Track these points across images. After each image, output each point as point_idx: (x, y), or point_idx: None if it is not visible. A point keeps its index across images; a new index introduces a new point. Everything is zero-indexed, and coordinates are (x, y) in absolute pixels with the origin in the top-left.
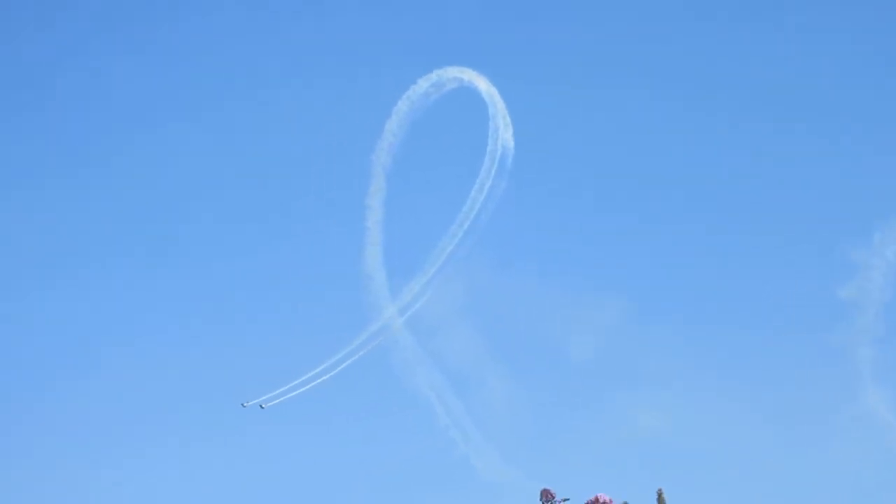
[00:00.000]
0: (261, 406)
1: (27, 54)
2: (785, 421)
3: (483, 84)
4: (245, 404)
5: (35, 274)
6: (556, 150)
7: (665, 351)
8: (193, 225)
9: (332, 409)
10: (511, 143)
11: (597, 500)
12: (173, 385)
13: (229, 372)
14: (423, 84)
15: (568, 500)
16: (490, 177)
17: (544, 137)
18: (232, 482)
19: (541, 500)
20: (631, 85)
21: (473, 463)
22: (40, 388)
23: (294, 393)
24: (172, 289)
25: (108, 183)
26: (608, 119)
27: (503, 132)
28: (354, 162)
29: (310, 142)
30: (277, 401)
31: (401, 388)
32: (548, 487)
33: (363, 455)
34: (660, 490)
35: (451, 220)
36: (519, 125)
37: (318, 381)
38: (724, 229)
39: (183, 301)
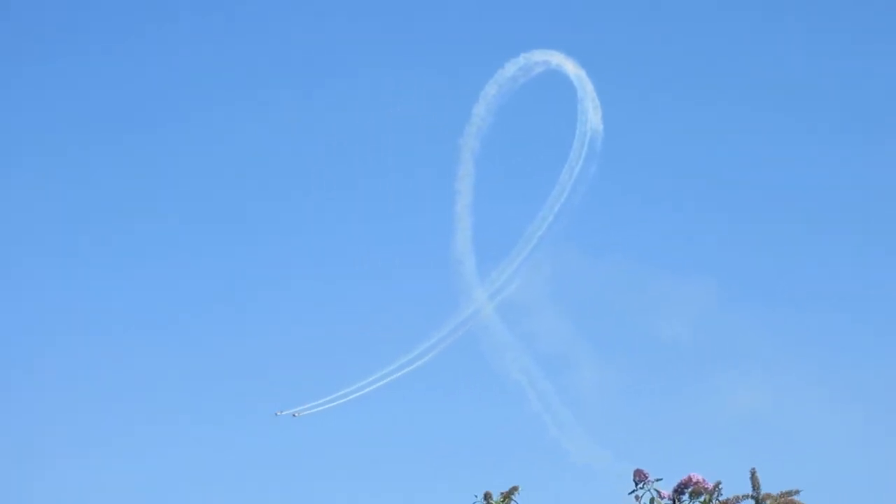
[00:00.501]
0: (293, 415)
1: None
2: (882, 402)
3: (571, 67)
4: (279, 413)
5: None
6: (646, 134)
7: (756, 332)
8: (283, 203)
9: (423, 395)
10: (600, 127)
11: (690, 479)
12: (272, 366)
13: (320, 358)
14: (510, 68)
15: (661, 479)
16: (579, 161)
17: (634, 121)
18: (319, 464)
19: (634, 480)
20: (722, 75)
21: (565, 446)
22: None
23: (378, 384)
24: (253, 270)
25: (175, 149)
26: (698, 104)
27: (592, 115)
28: (443, 147)
29: (398, 126)
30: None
31: (491, 373)
32: (641, 468)
33: (454, 440)
34: (753, 470)
35: (540, 204)
36: (608, 109)
37: (390, 377)
38: (816, 211)
39: (270, 284)
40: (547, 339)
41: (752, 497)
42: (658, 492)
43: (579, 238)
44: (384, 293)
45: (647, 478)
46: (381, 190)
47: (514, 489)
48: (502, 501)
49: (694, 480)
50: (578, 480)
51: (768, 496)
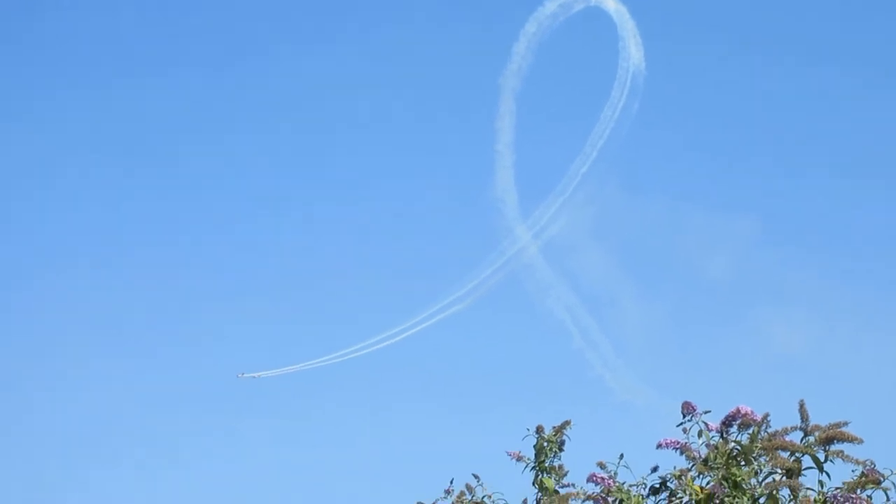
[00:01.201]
0: (254, 377)
1: None
2: None
3: (611, 3)
4: (240, 375)
5: None
6: (689, 72)
7: (799, 271)
8: (325, 144)
9: (466, 335)
10: (642, 65)
11: (738, 411)
12: (319, 313)
13: (366, 299)
14: (550, 5)
15: (709, 412)
16: (621, 99)
17: (676, 59)
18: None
19: (682, 412)
20: (767, 19)
21: (609, 383)
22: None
23: (420, 327)
24: (295, 211)
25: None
26: (740, 41)
27: (634, 53)
28: (482, 85)
29: (436, 66)
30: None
31: (534, 311)
32: (689, 400)
33: (498, 378)
34: (801, 401)
35: (582, 142)
36: (650, 46)
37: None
38: (862, 155)
39: (314, 231)
40: (590, 277)
41: (801, 429)
42: (706, 424)
43: (621, 176)
44: (426, 234)
45: (695, 410)
46: (421, 130)
47: (566, 423)
48: (554, 435)
49: (742, 412)
50: (623, 417)
51: (817, 427)
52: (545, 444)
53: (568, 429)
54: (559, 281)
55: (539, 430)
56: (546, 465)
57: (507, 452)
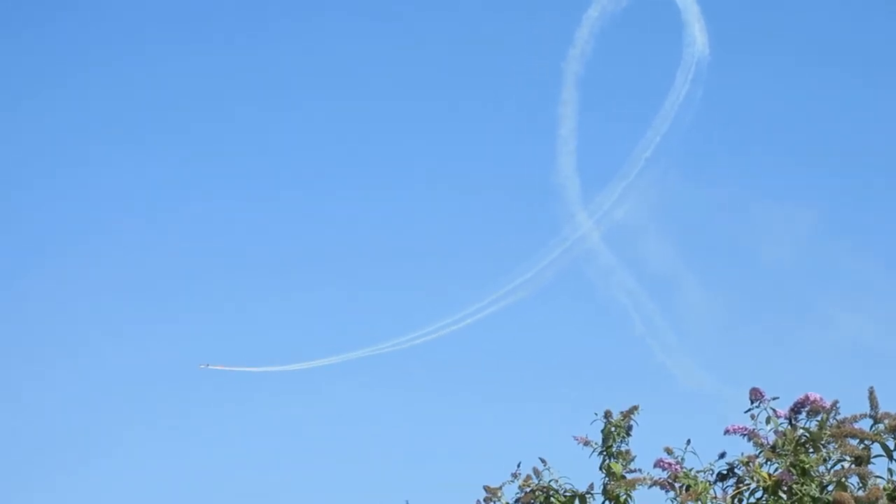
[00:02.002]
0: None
1: None
2: None
3: None
4: (202, 366)
5: None
6: (753, 58)
7: (863, 261)
8: (389, 129)
9: (528, 321)
10: (707, 51)
11: (807, 398)
12: (382, 299)
13: (427, 286)
14: None
15: (777, 398)
16: (685, 85)
17: (741, 44)
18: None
19: (750, 398)
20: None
21: (671, 371)
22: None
23: (482, 314)
24: (354, 192)
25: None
26: (808, 28)
27: (699, 38)
28: (545, 71)
29: (498, 52)
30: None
31: (596, 298)
32: (757, 387)
33: (559, 366)
34: (871, 388)
35: (644, 128)
36: (715, 32)
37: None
38: None
39: (370, 210)
40: (652, 263)
41: (870, 416)
42: (774, 410)
43: (684, 162)
44: (487, 220)
45: (763, 396)
46: (483, 117)
47: (633, 408)
48: (622, 420)
49: (811, 399)
50: (686, 404)
51: (886, 415)
52: (613, 428)
53: (636, 414)
54: (621, 267)
55: (607, 414)
56: (613, 449)
57: (574, 437)
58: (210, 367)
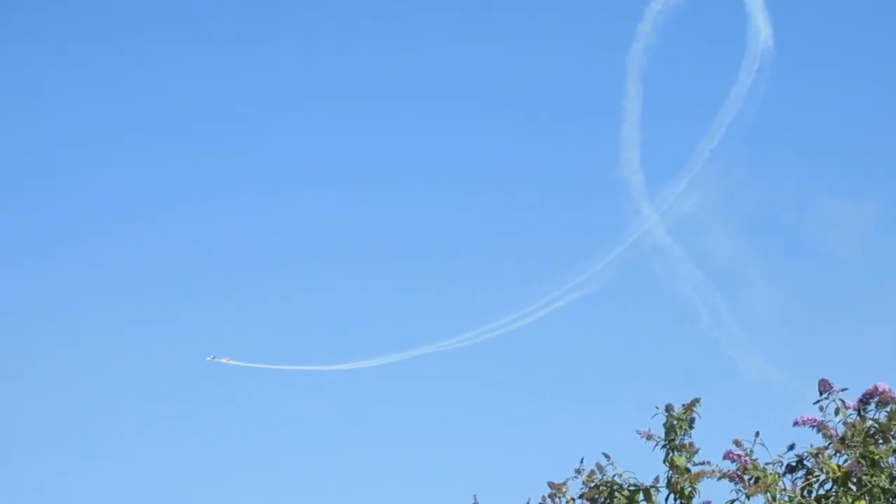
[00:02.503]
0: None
1: None
2: None
3: None
4: (209, 358)
5: None
6: (817, 51)
7: None
8: (451, 125)
9: (596, 315)
10: (770, 43)
11: (876, 389)
12: (445, 294)
13: (492, 282)
14: None
15: (846, 389)
16: (749, 77)
17: (805, 38)
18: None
19: (819, 390)
20: None
21: (738, 364)
22: None
23: (548, 309)
24: (417, 191)
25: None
26: (866, 27)
27: (763, 30)
28: (609, 64)
29: (563, 47)
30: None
31: (662, 291)
32: (826, 378)
33: (624, 362)
34: None
35: (709, 121)
36: (779, 25)
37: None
38: None
39: (438, 206)
40: (718, 256)
41: None
42: (843, 401)
43: (750, 155)
44: (553, 215)
45: (831, 387)
46: (548, 110)
47: (695, 401)
48: (684, 413)
49: (880, 390)
50: (752, 397)
51: None
52: (675, 422)
53: (697, 406)
54: (688, 260)
55: (668, 408)
56: (676, 442)
57: (637, 431)
58: (216, 359)
